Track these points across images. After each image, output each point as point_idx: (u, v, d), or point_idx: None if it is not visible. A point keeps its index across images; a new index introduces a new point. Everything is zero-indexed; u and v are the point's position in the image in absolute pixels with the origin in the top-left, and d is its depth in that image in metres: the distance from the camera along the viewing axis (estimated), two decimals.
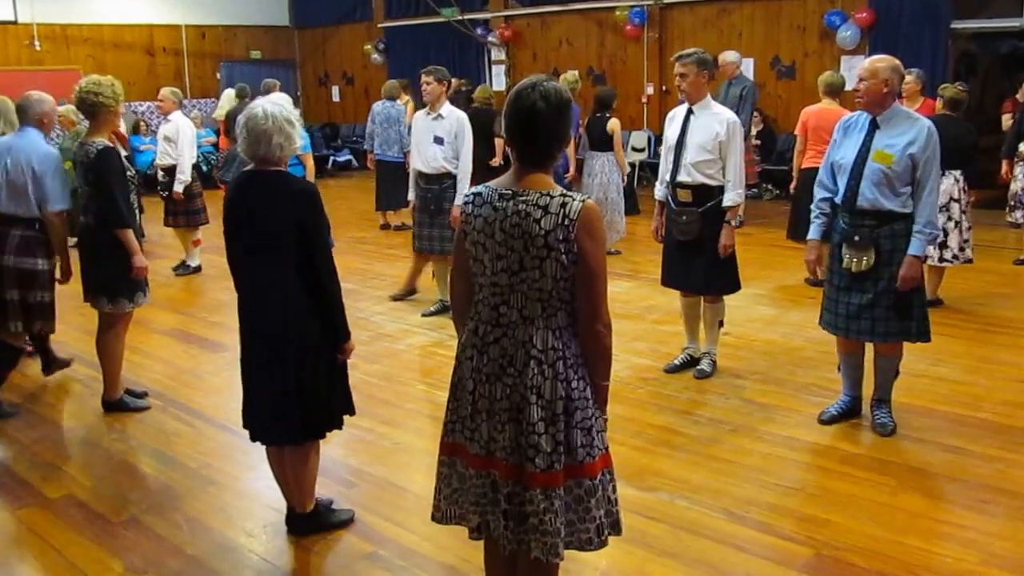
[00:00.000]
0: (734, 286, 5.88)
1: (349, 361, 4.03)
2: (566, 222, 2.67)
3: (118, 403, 5.67)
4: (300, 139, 3.82)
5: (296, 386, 3.79)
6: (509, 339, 2.81)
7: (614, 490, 2.94)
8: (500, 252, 2.77)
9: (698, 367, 6.06)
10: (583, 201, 2.70)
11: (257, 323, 3.82)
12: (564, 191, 2.74)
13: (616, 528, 2.94)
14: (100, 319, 5.60)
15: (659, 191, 5.96)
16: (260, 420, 3.92)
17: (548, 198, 2.71)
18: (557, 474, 2.77)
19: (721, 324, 6.06)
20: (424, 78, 7.27)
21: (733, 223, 5.69)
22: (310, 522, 4.12)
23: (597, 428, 2.86)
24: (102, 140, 5.27)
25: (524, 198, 2.74)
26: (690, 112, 5.66)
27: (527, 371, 2.77)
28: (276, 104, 3.79)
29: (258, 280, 3.78)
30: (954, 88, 7.35)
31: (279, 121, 3.68)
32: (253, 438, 3.99)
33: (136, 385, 5.95)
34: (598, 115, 9.62)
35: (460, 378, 2.95)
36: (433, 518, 3.08)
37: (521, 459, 2.79)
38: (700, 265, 5.71)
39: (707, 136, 5.55)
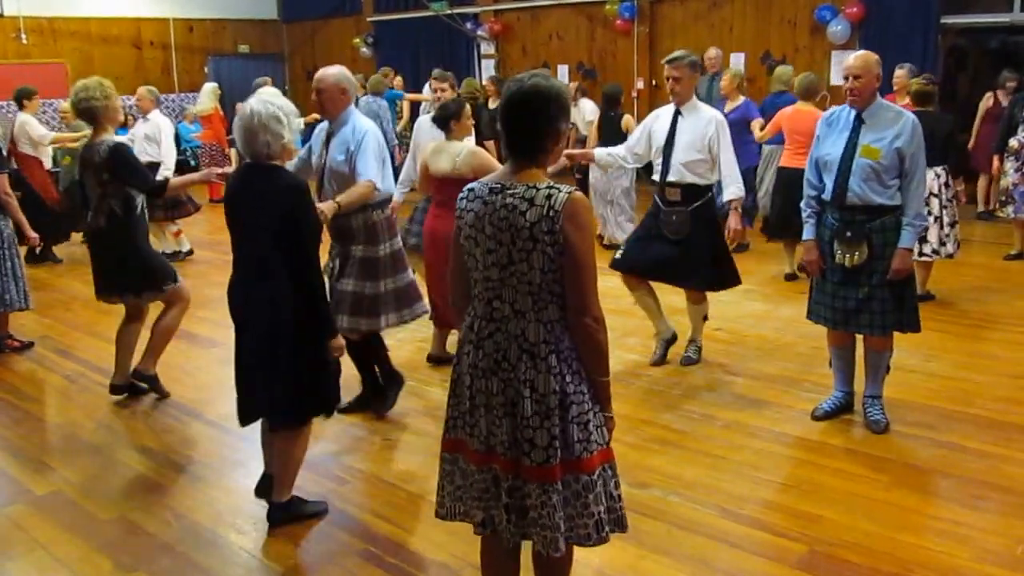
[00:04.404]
0: (730, 280, 5.90)
1: (341, 357, 4.04)
2: (551, 213, 2.66)
3: (150, 378, 5.75)
4: (291, 134, 3.84)
5: (280, 370, 3.85)
6: (503, 333, 2.79)
7: (616, 486, 2.90)
8: (490, 246, 2.77)
9: (685, 354, 6.13)
10: (569, 192, 2.69)
11: (245, 309, 3.90)
12: (552, 183, 2.73)
13: (619, 525, 2.91)
14: (131, 310, 5.70)
15: (600, 152, 6.04)
16: (245, 400, 4.00)
17: (535, 191, 2.71)
18: (553, 468, 2.75)
19: (705, 318, 6.12)
20: (438, 84, 7.19)
21: (740, 210, 5.78)
22: (283, 512, 4.15)
23: (595, 423, 2.83)
24: (110, 138, 5.35)
25: (512, 191, 2.74)
26: (678, 113, 5.68)
27: (520, 365, 2.76)
28: (264, 102, 3.81)
29: (249, 268, 3.87)
30: (919, 82, 7.29)
31: (264, 119, 3.74)
32: (242, 422, 4.05)
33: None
34: (611, 113, 9.61)
35: (459, 374, 2.94)
36: (437, 515, 3.07)
37: (518, 454, 2.78)
38: (688, 258, 5.71)
39: (697, 137, 5.59)
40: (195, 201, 9.95)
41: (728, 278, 5.90)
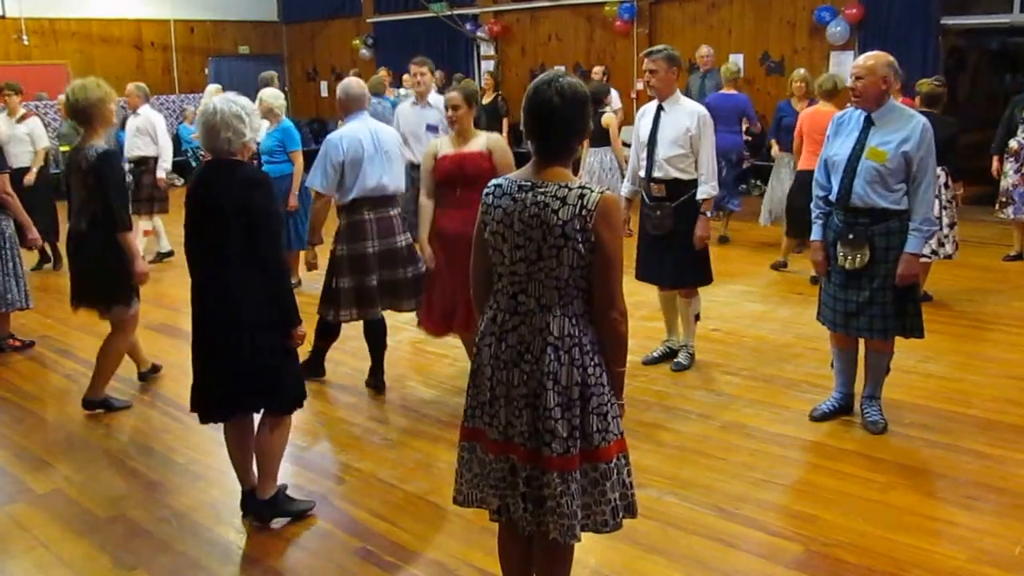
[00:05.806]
0: (706, 278, 5.89)
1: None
2: (583, 212, 2.73)
3: (103, 402, 5.60)
4: (252, 132, 3.94)
5: (246, 365, 3.91)
6: (527, 327, 2.85)
7: (629, 474, 2.99)
8: (518, 242, 2.82)
9: (675, 360, 6.12)
10: (601, 192, 2.76)
11: (208, 305, 3.95)
12: (583, 183, 2.79)
13: (631, 511, 2.99)
14: (111, 321, 5.58)
15: (626, 188, 6.04)
16: (212, 398, 4.03)
17: (567, 190, 2.77)
18: (573, 458, 2.82)
19: (697, 317, 6.12)
20: (419, 68, 7.22)
21: (709, 215, 5.73)
22: (269, 507, 4.18)
23: (612, 414, 2.91)
24: (101, 143, 5.20)
25: (543, 190, 2.80)
26: (660, 108, 5.68)
27: (544, 358, 2.81)
28: (228, 100, 3.91)
29: (211, 263, 3.93)
30: (929, 84, 7.31)
31: (227, 116, 3.84)
32: (202, 420, 4.09)
33: (121, 380, 5.92)
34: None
35: (479, 365, 2.99)
36: (455, 501, 3.12)
37: (538, 444, 2.84)
38: (673, 258, 5.74)
39: (678, 131, 5.58)
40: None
41: (705, 275, 5.89)
